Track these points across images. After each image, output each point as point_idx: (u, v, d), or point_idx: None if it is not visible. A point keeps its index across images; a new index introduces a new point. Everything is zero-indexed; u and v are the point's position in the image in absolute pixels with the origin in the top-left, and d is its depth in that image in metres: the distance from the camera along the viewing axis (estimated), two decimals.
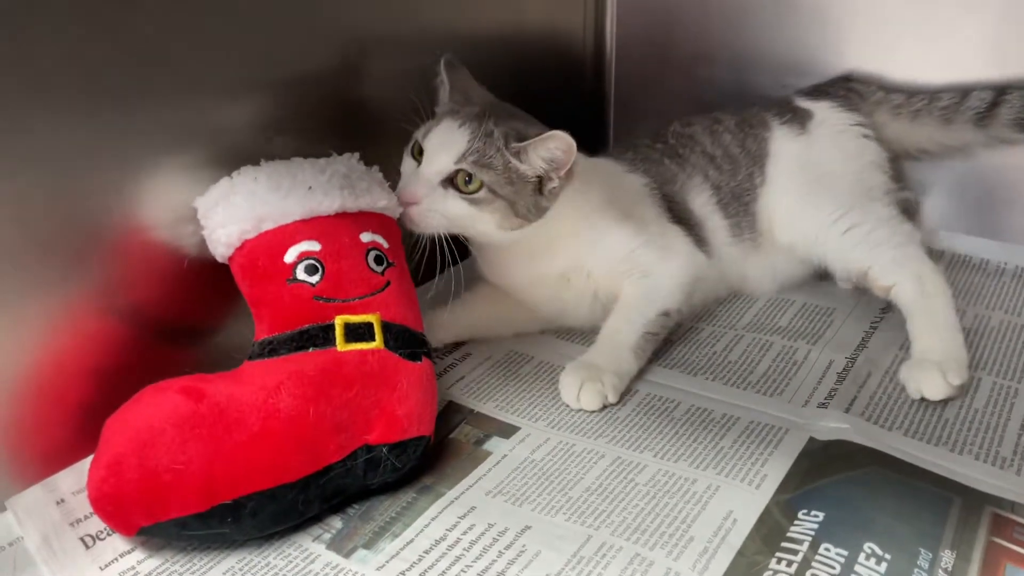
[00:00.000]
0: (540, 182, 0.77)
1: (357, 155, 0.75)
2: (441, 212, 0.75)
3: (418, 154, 0.77)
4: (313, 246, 0.67)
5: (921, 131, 0.99)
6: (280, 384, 0.63)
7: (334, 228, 0.68)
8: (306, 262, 0.67)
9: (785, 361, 0.84)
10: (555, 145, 0.75)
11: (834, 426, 0.74)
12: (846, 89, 1.01)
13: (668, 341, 0.87)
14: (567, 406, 0.78)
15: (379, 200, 0.72)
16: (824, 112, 0.98)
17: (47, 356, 0.64)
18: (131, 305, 0.68)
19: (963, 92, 0.95)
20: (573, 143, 0.75)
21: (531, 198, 0.77)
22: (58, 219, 0.63)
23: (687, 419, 0.76)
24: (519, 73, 1.00)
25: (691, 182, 0.93)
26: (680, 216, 0.90)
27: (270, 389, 0.63)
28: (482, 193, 0.75)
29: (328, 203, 0.68)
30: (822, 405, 0.77)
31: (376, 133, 0.83)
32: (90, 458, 0.64)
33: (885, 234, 0.88)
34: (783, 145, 0.95)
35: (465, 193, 0.75)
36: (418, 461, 0.69)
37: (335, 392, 0.64)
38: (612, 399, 0.78)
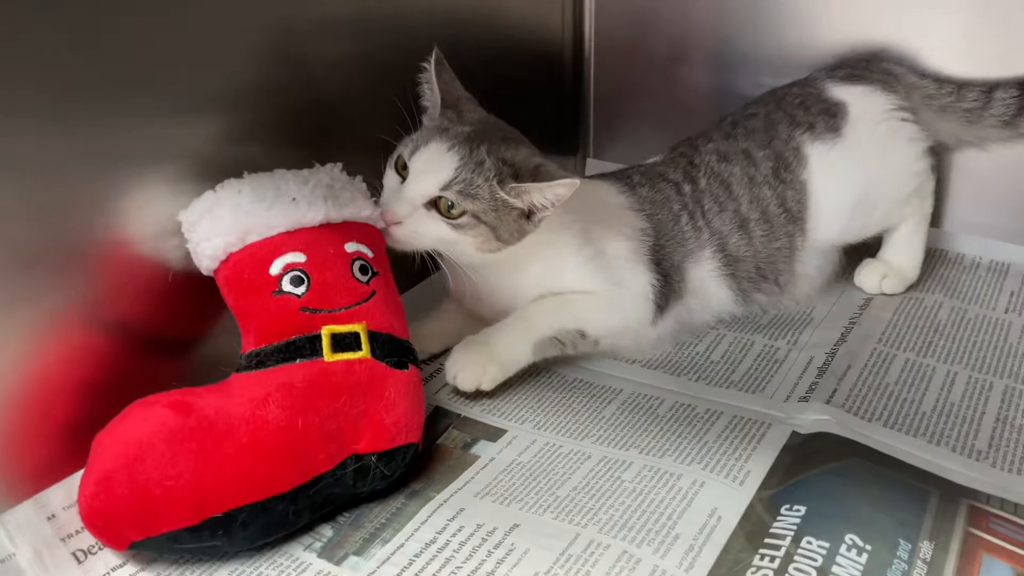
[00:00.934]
0: (529, 212, 0.76)
1: (340, 165, 0.75)
2: (423, 233, 0.75)
3: (402, 168, 0.76)
4: (298, 257, 0.68)
5: (946, 126, 0.96)
6: (268, 396, 0.63)
7: (319, 239, 0.69)
8: (292, 273, 0.67)
9: (767, 359, 0.86)
10: (563, 192, 0.74)
11: (816, 418, 0.75)
12: (882, 72, 0.95)
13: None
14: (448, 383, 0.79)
15: (363, 210, 0.73)
16: (861, 101, 0.92)
17: (33, 371, 0.64)
18: (116, 319, 0.68)
19: (988, 90, 0.94)
20: (576, 184, 0.73)
21: (515, 224, 0.76)
22: (41, 234, 0.63)
23: (671, 415, 0.78)
24: (496, 70, 1.00)
25: (701, 253, 0.88)
26: (663, 271, 0.86)
27: (258, 401, 0.63)
28: (465, 219, 0.75)
29: (312, 214, 0.69)
30: (803, 399, 0.79)
31: (356, 139, 0.84)
32: (79, 473, 0.64)
33: (917, 227, 0.95)
34: (821, 169, 0.89)
35: (448, 217, 0.75)
36: (407, 468, 0.69)
37: (323, 403, 0.65)
38: (485, 388, 0.78)
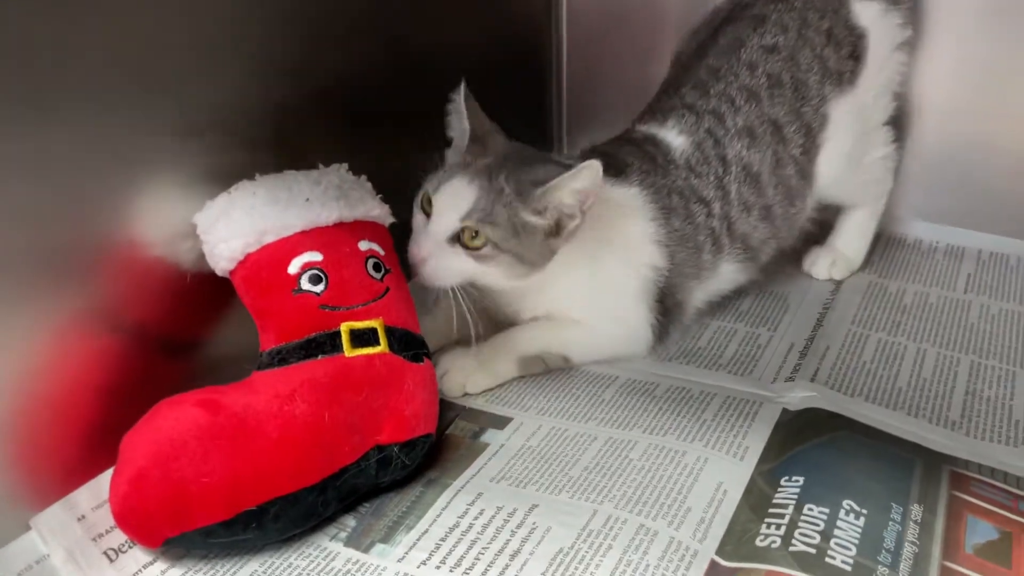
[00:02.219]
0: (557, 226, 0.77)
1: (345, 165, 0.77)
2: (448, 267, 0.76)
3: (427, 205, 0.77)
4: (315, 256, 0.70)
5: None
6: (294, 391, 0.65)
7: (334, 238, 0.71)
8: (310, 272, 0.69)
9: (750, 345, 0.90)
10: (587, 179, 0.74)
11: (803, 395, 0.80)
12: None
13: None
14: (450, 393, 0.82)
15: (373, 209, 0.75)
16: (878, 27, 0.93)
17: (58, 375, 0.65)
18: (136, 321, 0.69)
19: None
20: (600, 171, 0.74)
21: (541, 245, 0.77)
22: (61, 238, 0.64)
23: (668, 397, 0.82)
24: (471, 65, 1.02)
25: (718, 267, 0.89)
26: (666, 307, 0.87)
27: (285, 397, 0.65)
28: (487, 249, 0.75)
29: (326, 214, 0.71)
30: (789, 379, 0.84)
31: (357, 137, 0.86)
32: (106, 473, 0.66)
33: (879, 174, 1.00)
34: (836, 125, 0.91)
35: (471, 249, 0.75)
36: (423, 459, 0.72)
37: (346, 396, 0.67)
38: (471, 391, 0.82)
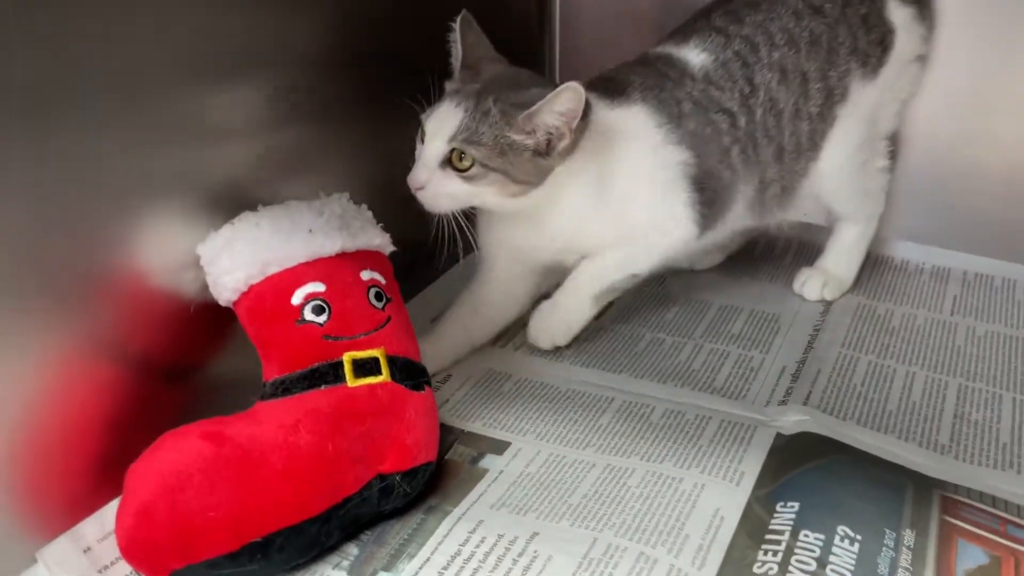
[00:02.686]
0: (548, 143, 0.79)
1: (347, 195, 0.78)
2: (444, 193, 0.78)
3: (423, 137, 0.80)
4: (318, 287, 0.70)
5: None
6: (298, 422, 0.66)
7: (336, 268, 0.72)
8: (313, 303, 0.70)
9: (743, 367, 0.92)
10: (568, 101, 0.76)
11: (796, 419, 0.82)
12: None
13: (636, 352, 0.95)
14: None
15: (374, 239, 0.76)
16: (905, 33, 0.95)
17: (63, 407, 0.65)
18: (139, 351, 0.70)
19: None
20: (581, 89, 0.75)
21: (530, 164, 0.79)
22: (65, 269, 0.64)
23: (664, 422, 0.83)
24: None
25: (749, 180, 0.91)
26: (710, 192, 0.88)
27: (289, 428, 0.66)
28: (474, 169, 0.77)
29: (329, 245, 0.72)
30: (782, 402, 0.85)
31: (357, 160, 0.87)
32: (111, 504, 0.66)
33: (876, 187, 1.03)
34: (853, 105, 0.94)
35: (460, 171, 0.78)
36: (424, 486, 0.73)
37: (350, 426, 0.68)
38: (561, 342, 0.93)
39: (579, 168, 0.83)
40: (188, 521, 0.61)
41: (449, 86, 0.83)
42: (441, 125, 0.78)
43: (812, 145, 0.94)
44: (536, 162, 0.80)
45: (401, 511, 0.73)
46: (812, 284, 1.03)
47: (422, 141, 0.80)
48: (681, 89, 0.88)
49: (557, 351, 0.95)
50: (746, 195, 0.92)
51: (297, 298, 0.70)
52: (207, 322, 0.74)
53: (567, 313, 0.92)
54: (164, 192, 0.70)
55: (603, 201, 0.86)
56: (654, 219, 0.88)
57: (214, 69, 0.73)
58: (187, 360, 0.75)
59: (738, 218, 0.94)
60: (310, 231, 0.72)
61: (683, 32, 0.93)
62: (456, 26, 0.82)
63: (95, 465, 0.67)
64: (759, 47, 0.90)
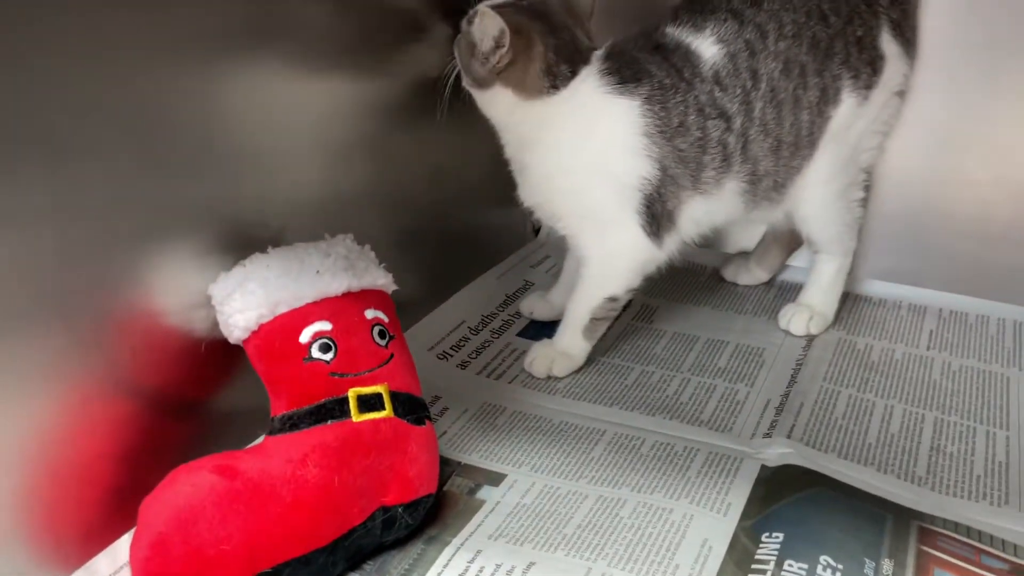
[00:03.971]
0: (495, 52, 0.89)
1: (351, 236, 0.81)
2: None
3: None
4: (325, 326, 0.73)
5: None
6: (306, 456, 0.69)
7: (342, 308, 0.75)
8: (320, 341, 0.73)
9: (729, 401, 0.96)
10: (479, 22, 0.87)
11: (780, 451, 0.85)
12: (910, 29, 1.02)
13: (626, 385, 0.98)
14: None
15: (378, 279, 0.79)
16: (891, 67, 1.00)
17: (77, 443, 0.67)
18: (151, 388, 0.72)
19: None
20: (493, 23, 0.86)
21: (480, 66, 0.91)
22: (81, 308, 0.66)
23: (654, 454, 0.86)
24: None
25: (723, 184, 0.96)
26: (652, 213, 0.94)
27: (297, 462, 0.68)
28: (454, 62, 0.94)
29: (336, 285, 0.75)
30: (767, 435, 0.89)
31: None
32: (123, 538, 0.69)
33: (853, 220, 1.07)
34: (843, 116, 0.98)
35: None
36: (424, 517, 0.76)
37: (355, 460, 0.70)
38: (556, 373, 1.00)
39: (562, 116, 0.92)
40: (201, 553, 0.64)
41: None
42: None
43: (811, 141, 0.98)
44: (483, 65, 0.90)
45: (402, 542, 0.75)
46: (798, 319, 1.08)
47: None
48: (690, 94, 0.92)
49: (550, 383, 0.99)
50: (734, 187, 0.97)
51: (305, 336, 0.73)
52: (216, 359, 0.77)
53: (564, 346, 1.01)
54: (177, 233, 0.73)
55: (570, 163, 0.93)
56: (605, 217, 0.95)
57: (224, 116, 0.77)
58: (197, 395, 0.77)
59: (731, 210, 0.99)
60: (317, 272, 0.75)
61: (702, 12, 0.95)
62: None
63: (109, 498, 0.69)
64: (768, 35, 0.94)
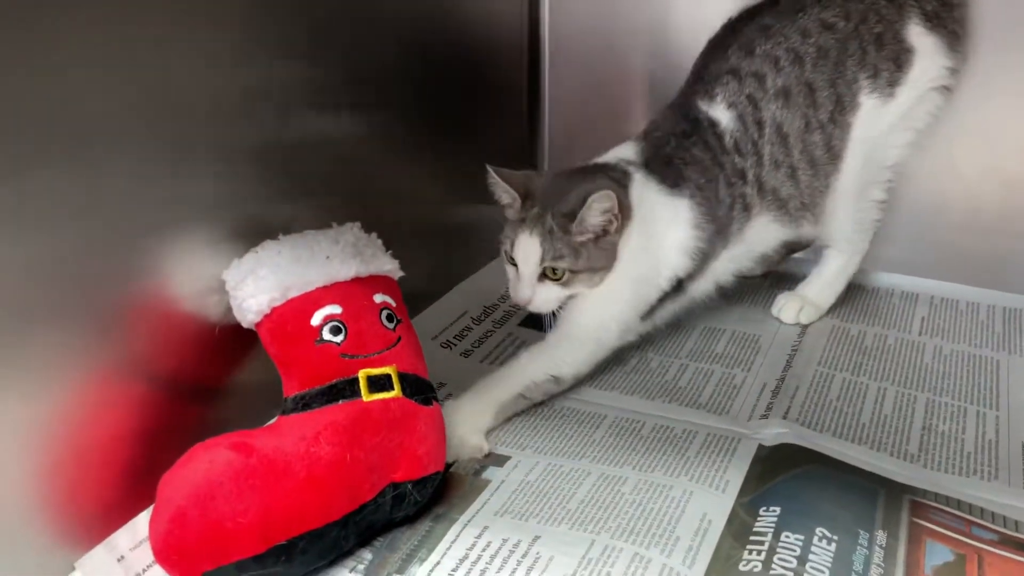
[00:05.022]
0: (604, 230, 0.90)
1: (358, 224, 0.84)
2: (548, 299, 0.93)
3: (511, 260, 0.93)
4: (335, 309, 0.76)
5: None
6: (318, 434, 0.71)
7: (351, 292, 0.78)
8: (331, 324, 0.75)
9: (726, 385, 0.98)
10: (599, 207, 0.88)
11: (776, 432, 0.88)
12: (956, 21, 1.01)
13: (625, 371, 1.00)
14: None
15: (385, 264, 0.82)
16: (927, 58, 1.00)
17: (97, 423, 0.70)
18: (168, 371, 0.75)
19: None
20: (611, 194, 0.87)
21: (598, 250, 0.91)
22: (100, 294, 0.69)
23: (654, 436, 0.89)
24: (453, 102, 1.13)
25: (752, 225, 1.00)
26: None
27: (310, 439, 0.71)
28: (566, 276, 0.91)
29: (345, 270, 0.77)
30: (763, 416, 0.91)
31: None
32: (142, 514, 0.71)
33: (868, 221, 1.08)
34: (864, 121, 1.00)
35: (556, 280, 0.92)
36: (433, 495, 0.78)
37: (366, 438, 0.73)
38: (460, 457, 0.85)
39: (633, 233, 0.93)
40: (219, 526, 0.66)
41: (513, 216, 0.93)
42: (528, 253, 0.91)
43: (831, 157, 1.00)
44: (602, 246, 0.91)
45: (411, 519, 0.78)
46: (789, 308, 1.10)
47: (509, 263, 0.94)
48: (724, 170, 0.98)
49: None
50: (764, 221, 1.01)
51: (316, 319, 0.76)
52: (230, 343, 0.79)
53: (470, 421, 0.88)
54: (193, 222, 0.76)
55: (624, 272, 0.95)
56: (613, 313, 0.96)
57: (238, 109, 0.79)
58: (212, 378, 0.80)
59: (772, 239, 1.04)
60: (327, 258, 0.77)
61: (708, 79, 0.99)
62: (496, 178, 0.93)
63: (127, 477, 0.72)
64: (766, 79, 0.97)
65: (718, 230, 0.97)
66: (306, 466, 0.70)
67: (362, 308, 0.78)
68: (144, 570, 0.69)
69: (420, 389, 0.78)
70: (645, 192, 0.94)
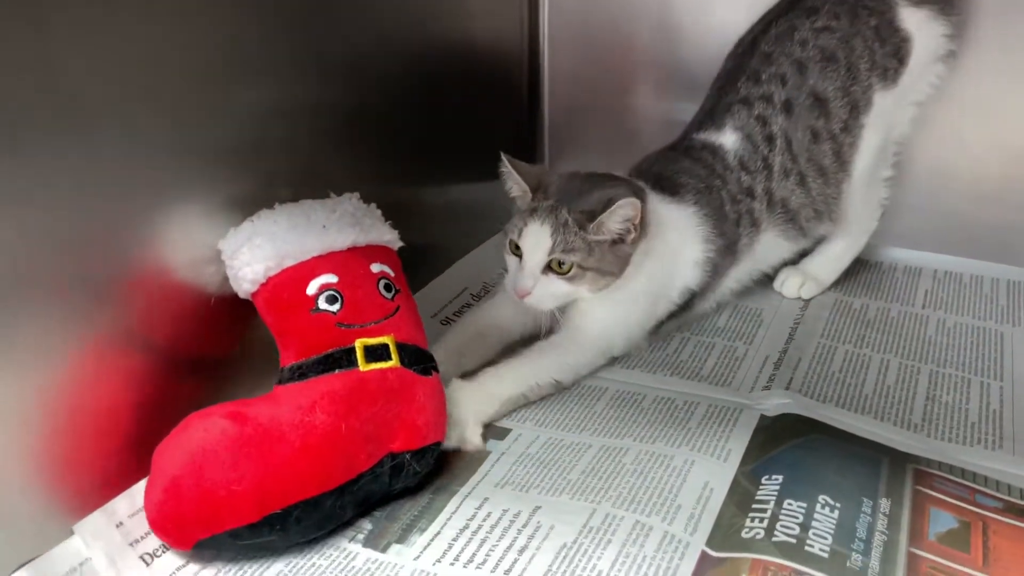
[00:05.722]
0: (621, 237, 0.88)
1: (357, 195, 0.83)
2: (549, 293, 0.89)
3: (515, 249, 0.90)
4: (331, 279, 0.75)
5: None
6: (314, 404, 0.70)
7: (348, 261, 0.77)
8: (327, 293, 0.75)
9: (728, 357, 0.97)
10: (622, 213, 0.86)
11: (779, 402, 0.87)
12: None
13: None
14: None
15: (384, 235, 0.81)
16: (922, 33, 1.00)
17: (96, 393, 0.69)
18: (165, 341, 0.74)
19: None
20: (637, 203, 0.85)
21: (611, 255, 0.88)
22: (97, 265, 0.68)
23: (655, 408, 0.88)
24: (458, 92, 1.12)
25: (760, 240, 1.01)
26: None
27: (306, 409, 0.70)
28: (574, 271, 0.87)
29: (342, 239, 0.77)
30: (766, 388, 0.91)
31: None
32: (140, 483, 0.70)
33: (876, 199, 1.08)
34: (876, 114, 1.00)
35: (561, 274, 0.88)
36: (433, 466, 0.77)
37: (362, 407, 0.72)
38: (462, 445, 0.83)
39: (649, 248, 0.92)
40: (213, 494, 0.66)
41: (524, 205, 0.91)
42: (537, 242, 0.87)
43: (840, 165, 1.00)
44: (615, 252, 0.89)
45: (411, 491, 0.77)
46: (791, 283, 1.09)
47: (512, 253, 0.90)
48: (727, 186, 0.98)
49: None
50: (768, 239, 1.02)
51: (312, 288, 0.75)
52: (226, 313, 0.78)
53: (477, 411, 0.85)
54: (189, 191, 0.75)
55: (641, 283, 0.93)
56: (626, 326, 0.95)
57: (235, 78, 0.79)
58: (209, 349, 0.79)
59: (781, 251, 1.05)
60: (324, 227, 0.77)
61: (718, 113, 1.00)
62: (506, 167, 0.91)
63: (125, 446, 0.71)
64: (773, 96, 0.98)
65: (727, 245, 0.97)
66: (301, 435, 0.69)
67: (359, 277, 0.77)
68: (142, 537, 0.69)
69: (419, 359, 0.77)
70: (657, 207, 0.93)
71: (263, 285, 0.76)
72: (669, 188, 0.96)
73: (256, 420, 0.69)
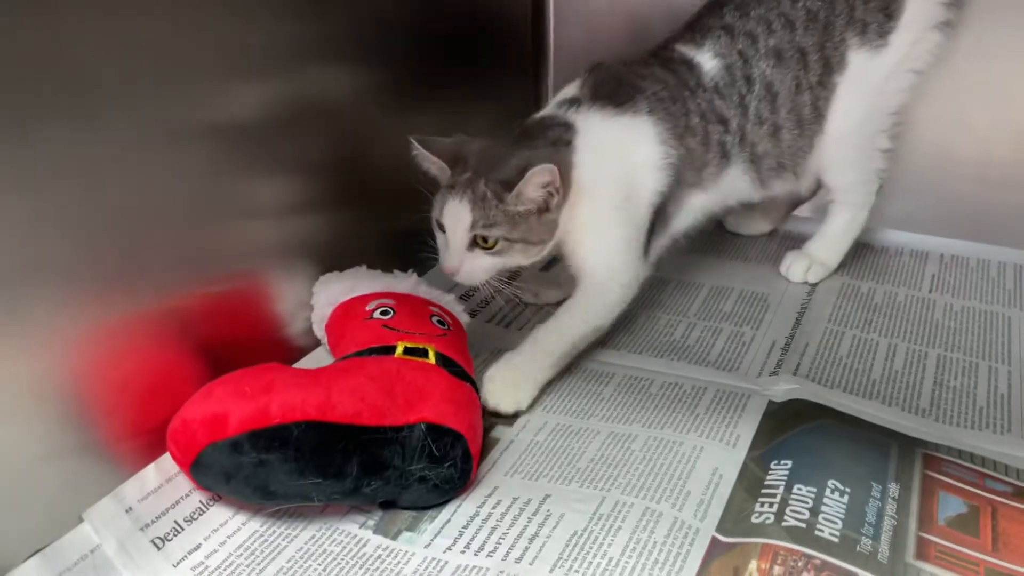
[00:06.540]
0: (545, 202, 0.85)
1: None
2: (478, 268, 0.86)
3: (441, 228, 0.87)
4: (388, 300, 0.86)
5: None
6: (346, 363, 0.77)
7: (408, 297, 0.88)
8: (381, 308, 0.84)
9: (736, 343, 0.97)
10: (538, 180, 0.83)
11: (787, 387, 0.87)
12: None
13: (632, 331, 0.99)
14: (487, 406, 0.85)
15: (443, 297, 0.93)
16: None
17: (105, 380, 0.69)
18: (177, 325, 0.75)
19: None
20: (553, 168, 0.82)
21: (538, 223, 0.86)
22: (101, 245, 0.68)
23: (663, 393, 0.88)
24: (463, 47, 1.11)
25: (724, 173, 0.98)
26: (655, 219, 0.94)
27: (337, 365, 0.77)
28: (500, 244, 0.85)
29: (403, 284, 0.90)
30: (773, 373, 0.91)
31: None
32: (150, 467, 0.73)
33: (874, 171, 1.06)
34: (854, 77, 0.98)
35: (488, 249, 0.86)
36: (454, 468, 0.73)
37: (391, 373, 0.75)
38: (523, 407, 0.86)
39: (585, 167, 0.89)
40: (236, 391, 0.69)
41: (444, 181, 0.88)
42: (457, 219, 0.85)
43: (816, 116, 0.99)
44: (542, 219, 0.87)
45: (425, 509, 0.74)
46: (797, 267, 1.09)
47: (441, 230, 0.87)
48: (693, 100, 0.95)
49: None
50: (737, 171, 0.99)
51: (370, 306, 0.84)
52: (237, 296, 0.79)
53: (532, 373, 0.88)
54: (194, 180, 0.75)
55: (603, 212, 0.91)
56: (626, 243, 0.92)
57: (240, 63, 0.78)
58: (219, 332, 0.79)
59: (739, 192, 1.02)
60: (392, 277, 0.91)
61: (699, 30, 0.99)
62: (414, 151, 0.88)
63: (133, 432, 0.71)
64: (758, 39, 0.97)
65: (691, 158, 0.94)
66: (325, 378, 0.72)
67: (415, 305, 0.86)
68: (152, 522, 0.69)
69: (459, 374, 0.79)
70: (592, 128, 0.90)
71: (332, 314, 0.85)
72: (622, 96, 0.93)
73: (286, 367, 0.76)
